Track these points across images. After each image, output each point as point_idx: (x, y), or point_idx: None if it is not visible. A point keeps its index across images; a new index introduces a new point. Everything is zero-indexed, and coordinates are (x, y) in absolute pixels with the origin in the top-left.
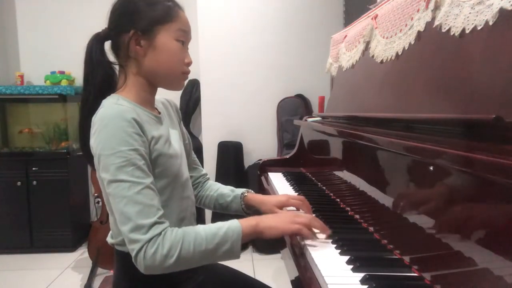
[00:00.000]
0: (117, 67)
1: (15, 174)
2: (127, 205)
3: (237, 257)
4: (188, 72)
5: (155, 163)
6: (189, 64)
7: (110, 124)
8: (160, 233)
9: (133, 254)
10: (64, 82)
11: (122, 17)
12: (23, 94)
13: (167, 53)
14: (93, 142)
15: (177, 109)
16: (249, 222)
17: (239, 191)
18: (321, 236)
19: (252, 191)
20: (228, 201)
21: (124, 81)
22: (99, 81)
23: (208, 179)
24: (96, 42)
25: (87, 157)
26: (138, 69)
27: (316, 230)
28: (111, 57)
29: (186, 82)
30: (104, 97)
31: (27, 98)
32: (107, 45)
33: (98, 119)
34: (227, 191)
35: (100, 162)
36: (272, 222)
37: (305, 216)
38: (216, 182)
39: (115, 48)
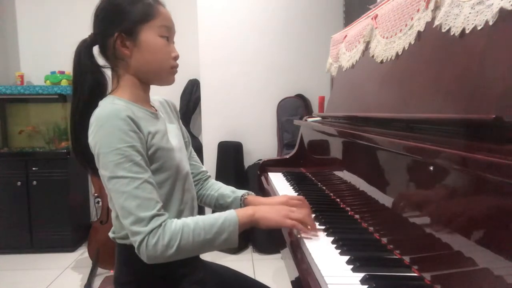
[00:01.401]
0: (108, 71)
1: (15, 174)
2: (127, 200)
3: (235, 245)
4: (177, 66)
5: (154, 157)
6: (176, 58)
7: (106, 124)
8: (160, 225)
9: (135, 246)
10: (64, 82)
11: (105, 21)
12: (23, 94)
13: (153, 50)
14: (91, 141)
15: (175, 108)
16: (246, 211)
17: (240, 192)
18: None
19: (253, 193)
20: (228, 201)
21: (117, 82)
22: (88, 86)
23: (209, 177)
24: (83, 48)
25: (80, 158)
26: (128, 69)
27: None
28: (100, 61)
29: (178, 76)
30: (94, 102)
31: (27, 98)
32: (96, 49)
33: (95, 119)
34: (228, 191)
35: (99, 160)
36: (268, 214)
37: (300, 212)
38: (218, 182)
39: (103, 52)
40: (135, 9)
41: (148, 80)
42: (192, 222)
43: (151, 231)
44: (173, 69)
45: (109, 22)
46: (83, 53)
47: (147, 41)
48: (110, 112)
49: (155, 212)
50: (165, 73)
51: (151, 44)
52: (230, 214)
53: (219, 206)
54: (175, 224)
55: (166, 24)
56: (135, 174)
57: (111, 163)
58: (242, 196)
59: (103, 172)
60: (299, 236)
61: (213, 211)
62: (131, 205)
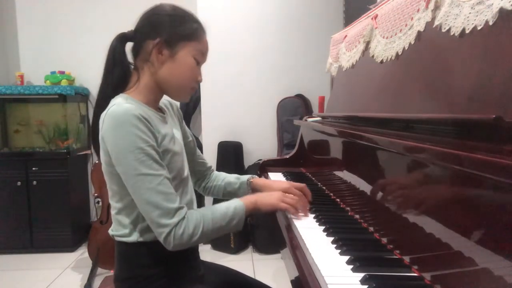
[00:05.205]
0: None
1: (15, 174)
2: (152, 195)
3: (241, 228)
4: (196, 88)
5: (161, 158)
6: (199, 81)
7: (125, 123)
8: (184, 217)
9: (162, 236)
10: (64, 82)
11: (152, 25)
12: (23, 94)
13: (184, 67)
14: (108, 138)
15: (178, 109)
16: (250, 199)
17: (245, 177)
18: (304, 215)
19: (256, 176)
20: (236, 188)
21: (136, 82)
22: (117, 79)
23: (213, 170)
24: (120, 42)
25: (97, 146)
26: (152, 74)
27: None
28: (129, 57)
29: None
30: (118, 93)
31: (27, 98)
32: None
33: (110, 117)
34: (233, 179)
35: (117, 158)
36: (267, 200)
37: (293, 198)
38: (221, 172)
39: (135, 50)
40: (184, 26)
41: (166, 90)
42: (209, 212)
43: (178, 223)
44: (193, 90)
45: (155, 27)
46: (118, 47)
47: (183, 57)
48: (128, 111)
49: (178, 205)
50: (184, 90)
51: (184, 61)
52: (238, 203)
53: (227, 193)
54: (196, 214)
55: (203, 51)
56: (156, 171)
57: (135, 162)
58: (248, 180)
59: (122, 169)
60: (303, 243)
61: (220, 201)
62: (158, 200)
